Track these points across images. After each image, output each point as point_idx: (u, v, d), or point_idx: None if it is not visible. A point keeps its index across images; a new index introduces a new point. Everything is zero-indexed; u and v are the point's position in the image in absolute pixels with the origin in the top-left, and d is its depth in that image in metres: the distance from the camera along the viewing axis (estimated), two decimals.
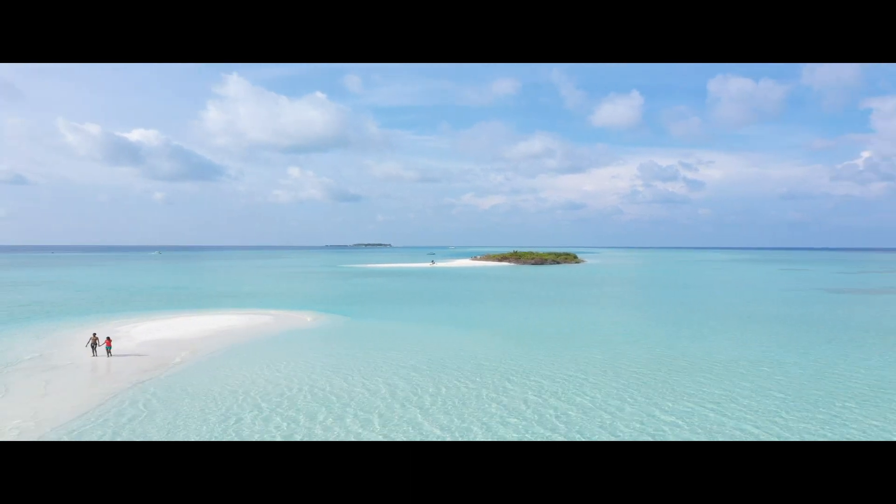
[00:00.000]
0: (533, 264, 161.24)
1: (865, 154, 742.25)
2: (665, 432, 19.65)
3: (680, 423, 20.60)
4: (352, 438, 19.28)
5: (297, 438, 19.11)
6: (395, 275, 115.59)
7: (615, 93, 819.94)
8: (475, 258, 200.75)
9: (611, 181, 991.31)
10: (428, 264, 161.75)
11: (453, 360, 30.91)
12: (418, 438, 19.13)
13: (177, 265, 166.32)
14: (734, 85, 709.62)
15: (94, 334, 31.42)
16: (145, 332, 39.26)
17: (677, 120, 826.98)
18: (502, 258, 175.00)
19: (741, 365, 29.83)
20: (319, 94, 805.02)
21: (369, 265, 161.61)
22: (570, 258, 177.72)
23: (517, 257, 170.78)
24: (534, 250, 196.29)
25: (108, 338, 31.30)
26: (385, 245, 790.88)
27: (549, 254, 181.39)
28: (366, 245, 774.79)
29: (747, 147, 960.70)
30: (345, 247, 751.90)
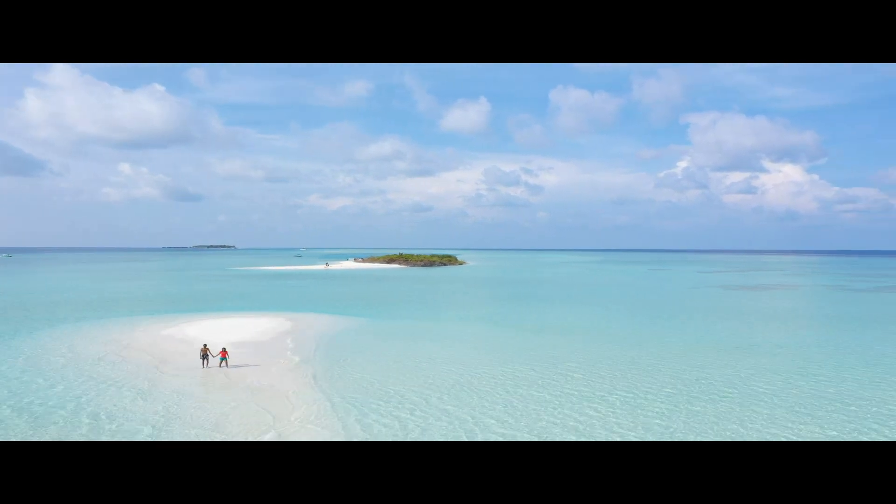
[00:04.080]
0: (423, 266, 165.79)
1: (682, 164, 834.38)
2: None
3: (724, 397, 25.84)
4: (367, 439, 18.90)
5: (297, 438, 19.10)
6: (308, 277, 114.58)
7: (464, 98, 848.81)
8: (357, 260, 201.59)
9: (457, 184, 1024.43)
10: (322, 266, 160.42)
11: (544, 348, 34.60)
12: (424, 438, 19.26)
13: (31, 269, 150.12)
14: (573, 95, 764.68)
15: (205, 345, 30.28)
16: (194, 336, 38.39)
17: (521, 127, 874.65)
18: (389, 260, 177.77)
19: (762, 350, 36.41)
20: (158, 87, 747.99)
21: (260, 268, 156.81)
22: (452, 260, 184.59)
23: (405, 259, 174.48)
24: (402, 252, 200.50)
25: (224, 349, 30.38)
26: (229, 247, 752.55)
27: (433, 256, 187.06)
28: (208, 246, 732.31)
29: (583, 155, 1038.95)
30: (184, 248, 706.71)
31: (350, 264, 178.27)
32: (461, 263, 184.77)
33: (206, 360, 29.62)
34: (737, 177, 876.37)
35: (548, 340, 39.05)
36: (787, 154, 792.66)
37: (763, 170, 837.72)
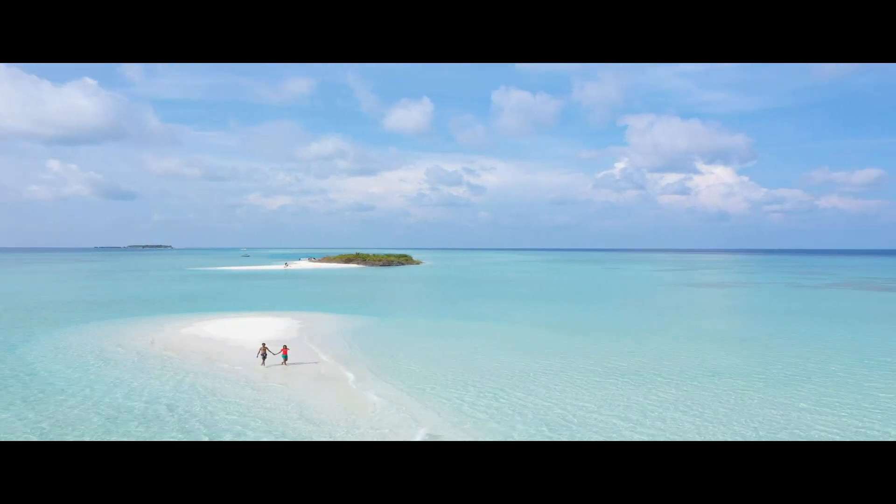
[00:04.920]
0: (381, 266, 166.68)
1: (620, 165, 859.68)
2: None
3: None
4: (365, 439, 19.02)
5: (297, 438, 19.21)
6: (275, 277, 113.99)
7: (408, 98, 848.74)
8: (312, 259, 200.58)
9: (399, 184, 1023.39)
10: (282, 266, 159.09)
11: (583, 344, 36.99)
12: (429, 437, 19.42)
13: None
14: (515, 97, 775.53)
15: (264, 344, 30.94)
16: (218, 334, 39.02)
17: (464, 127, 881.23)
18: (347, 260, 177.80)
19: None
20: (89, 81, 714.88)
21: (217, 268, 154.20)
22: (409, 259, 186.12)
23: (363, 259, 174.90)
24: (359, 252, 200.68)
25: (285, 346, 31.15)
26: (165, 247, 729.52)
27: (390, 255, 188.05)
28: (143, 246, 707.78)
29: (524, 155, 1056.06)
30: (118, 249, 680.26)
31: (306, 264, 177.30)
32: (418, 263, 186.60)
33: (265, 358, 30.42)
34: (672, 178, 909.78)
35: (563, 337, 41.55)
36: (719, 156, 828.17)
37: (697, 171, 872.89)
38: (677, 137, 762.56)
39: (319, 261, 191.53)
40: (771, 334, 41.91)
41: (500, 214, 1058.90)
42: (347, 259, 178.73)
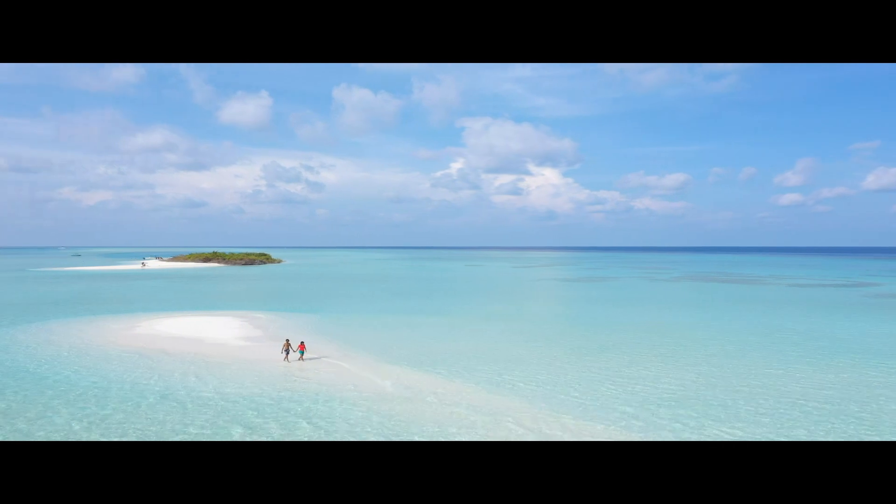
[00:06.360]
0: (244, 264, 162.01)
1: (457, 165, 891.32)
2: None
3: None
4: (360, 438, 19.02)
5: (297, 439, 19.30)
6: (143, 277, 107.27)
7: (245, 91, 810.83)
8: (162, 259, 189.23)
9: (234, 180, 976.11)
10: (139, 266, 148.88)
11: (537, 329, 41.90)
12: (423, 438, 19.42)
13: None
14: (357, 94, 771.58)
15: (287, 340, 31.62)
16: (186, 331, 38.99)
17: (304, 123, 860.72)
18: (205, 259, 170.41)
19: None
20: None
21: (64, 269, 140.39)
22: (269, 258, 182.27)
23: (222, 258, 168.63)
24: (216, 251, 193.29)
25: (302, 342, 31.89)
26: None
27: (250, 254, 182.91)
28: None
29: (363, 153, 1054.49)
30: None
31: (161, 263, 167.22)
32: (279, 261, 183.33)
33: (287, 353, 31.33)
34: (505, 178, 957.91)
35: (505, 325, 46.32)
36: (548, 159, 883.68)
37: (528, 173, 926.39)
38: (511, 140, 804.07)
39: (170, 260, 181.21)
40: (694, 319, 49.59)
41: (338, 212, 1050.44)
42: (205, 258, 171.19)
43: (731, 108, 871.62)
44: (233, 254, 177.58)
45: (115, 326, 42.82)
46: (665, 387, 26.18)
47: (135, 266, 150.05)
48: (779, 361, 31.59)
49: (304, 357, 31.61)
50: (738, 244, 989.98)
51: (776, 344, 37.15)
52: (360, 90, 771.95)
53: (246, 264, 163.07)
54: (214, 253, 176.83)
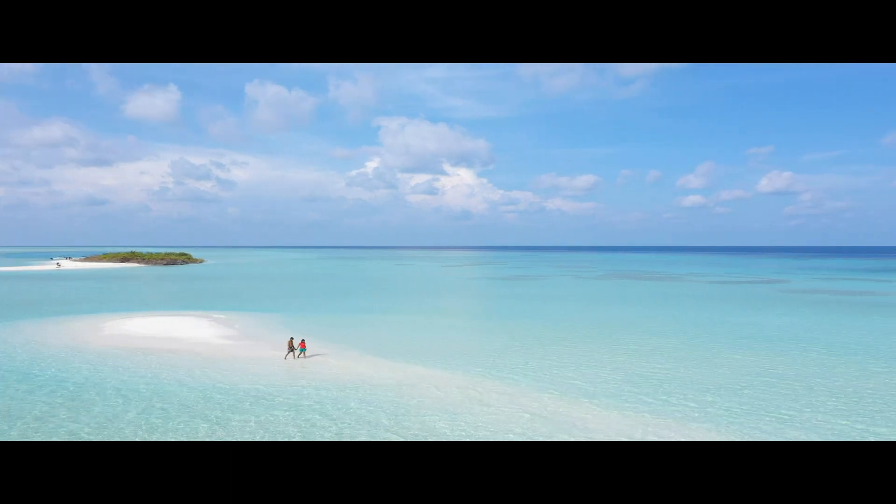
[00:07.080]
0: (165, 264, 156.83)
1: (373, 164, 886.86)
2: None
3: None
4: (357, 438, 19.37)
5: (297, 438, 19.34)
6: (67, 279, 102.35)
7: (151, 84, 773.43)
8: (74, 259, 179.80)
9: (139, 177, 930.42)
10: (54, 266, 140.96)
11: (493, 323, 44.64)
12: (420, 438, 19.53)
13: None
14: (270, 91, 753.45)
15: (292, 338, 32.08)
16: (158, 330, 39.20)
17: (215, 120, 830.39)
18: (123, 259, 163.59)
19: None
20: None
21: None
22: (190, 258, 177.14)
23: (142, 258, 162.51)
24: (134, 251, 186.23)
25: (303, 340, 32.55)
26: None
27: (171, 254, 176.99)
28: None
29: (276, 151, 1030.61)
30: None
31: (73, 264, 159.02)
32: (200, 261, 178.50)
33: (291, 351, 31.89)
34: (421, 178, 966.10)
35: (461, 323, 48.88)
36: (463, 159, 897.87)
37: (444, 173, 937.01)
38: (427, 140, 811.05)
39: (82, 260, 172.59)
40: (637, 315, 53.42)
41: (250, 211, 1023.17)
42: (123, 258, 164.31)
43: (640, 112, 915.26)
44: (151, 253, 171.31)
45: (80, 326, 42.05)
46: (637, 371, 29.08)
47: (49, 266, 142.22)
48: (743, 352, 35.35)
49: (305, 355, 32.30)
50: (645, 243, 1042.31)
51: (726, 336, 41.06)
52: (273, 86, 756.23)
53: (168, 264, 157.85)
54: (132, 253, 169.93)
